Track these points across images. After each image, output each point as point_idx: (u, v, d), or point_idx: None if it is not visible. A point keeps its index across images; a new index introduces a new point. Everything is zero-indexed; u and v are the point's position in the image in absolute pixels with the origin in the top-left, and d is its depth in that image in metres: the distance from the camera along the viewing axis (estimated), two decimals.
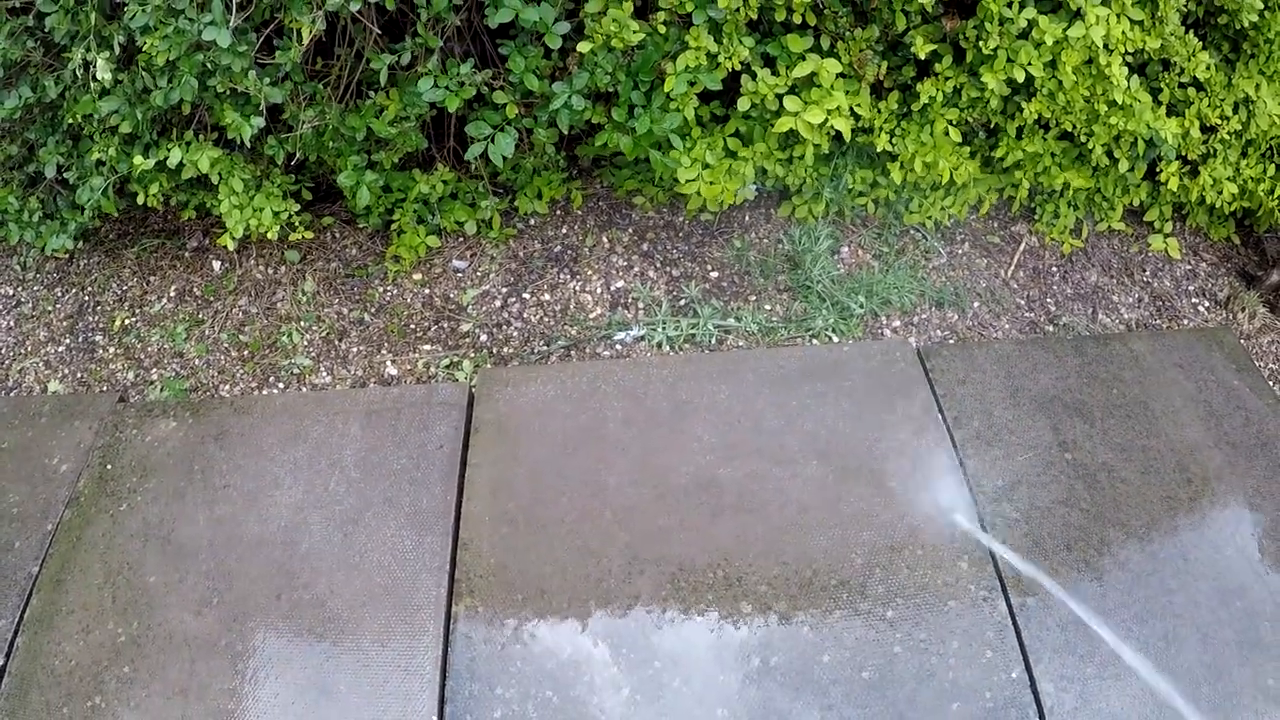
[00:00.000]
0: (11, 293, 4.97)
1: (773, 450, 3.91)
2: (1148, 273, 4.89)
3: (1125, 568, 3.56)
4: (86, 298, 4.88)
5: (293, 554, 3.67)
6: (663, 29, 4.05)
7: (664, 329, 4.52)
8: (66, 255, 5.05)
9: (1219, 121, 4.47)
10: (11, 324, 4.83)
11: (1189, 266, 4.96)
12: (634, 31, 3.94)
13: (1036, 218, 5.02)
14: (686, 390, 4.12)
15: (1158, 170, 4.69)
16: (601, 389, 4.14)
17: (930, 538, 3.63)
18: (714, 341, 4.49)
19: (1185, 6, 4.22)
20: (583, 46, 3.99)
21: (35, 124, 4.34)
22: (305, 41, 3.80)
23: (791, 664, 3.33)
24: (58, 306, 4.87)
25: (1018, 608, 3.44)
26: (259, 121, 3.97)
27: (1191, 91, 4.46)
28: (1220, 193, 4.62)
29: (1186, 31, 4.31)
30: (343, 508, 3.80)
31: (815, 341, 4.49)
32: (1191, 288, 4.86)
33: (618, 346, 4.51)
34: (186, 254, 5.00)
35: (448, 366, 4.46)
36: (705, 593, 3.50)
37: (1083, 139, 4.44)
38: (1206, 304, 4.80)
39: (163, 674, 3.38)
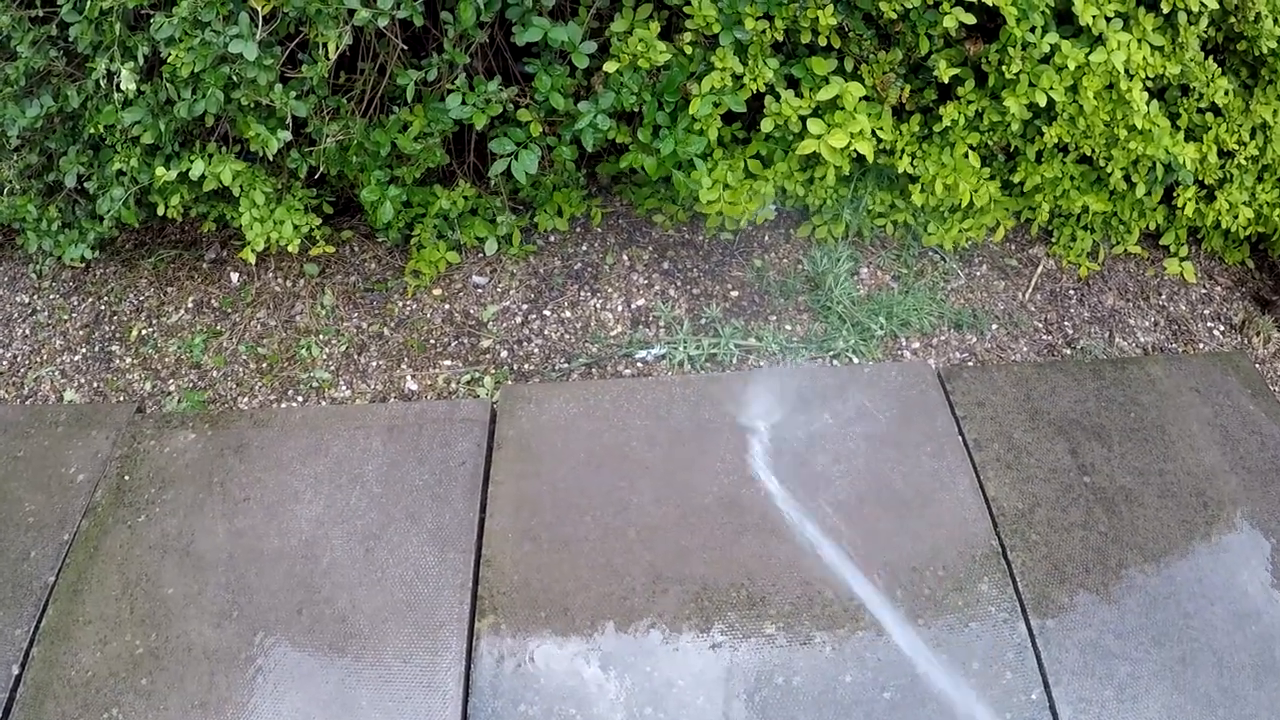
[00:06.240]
0: (27, 301, 4.96)
1: (795, 472, 3.92)
2: (1163, 296, 4.91)
3: (1143, 591, 3.56)
4: (103, 307, 4.87)
5: (314, 568, 3.66)
6: (688, 50, 4.07)
7: (685, 348, 4.51)
8: (83, 265, 5.03)
9: (1236, 147, 4.48)
10: (28, 332, 4.82)
11: (1204, 290, 4.97)
12: (660, 52, 3.95)
13: (1054, 241, 5.03)
14: (709, 410, 4.12)
15: (1174, 194, 4.70)
16: (624, 407, 4.14)
17: (951, 559, 3.63)
18: (735, 361, 4.50)
19: (1205, 33, 4.24)
20: (609, 66, 4.00)
21: (56, 133, 4.34)
22: (332, 56, 3.80)
23: (814, 684, 3.32)
24: (74, 315, 4.86)
25: (1037, 630, 3.44)
26: (285, 135, 3.97)
27: (1209, 117, 4.48)
28: (1236, 217, 4.63)
29: (1206, 57, 4.34)
30: (364, 522, 3.79)
31: (836, 363, 4.49)
32: (1207, 312, 4.87)
33: (639, 365, 4.51)
34: (204, 265, 5.00)
35: (468, 383, 4.45)
36: (728, 612, 3.50)
37: (1102, 163, 4.45)
38: (1222, 328, 4.81)
39: (181, 686, 3.37)
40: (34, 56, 3.97)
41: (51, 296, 4.96)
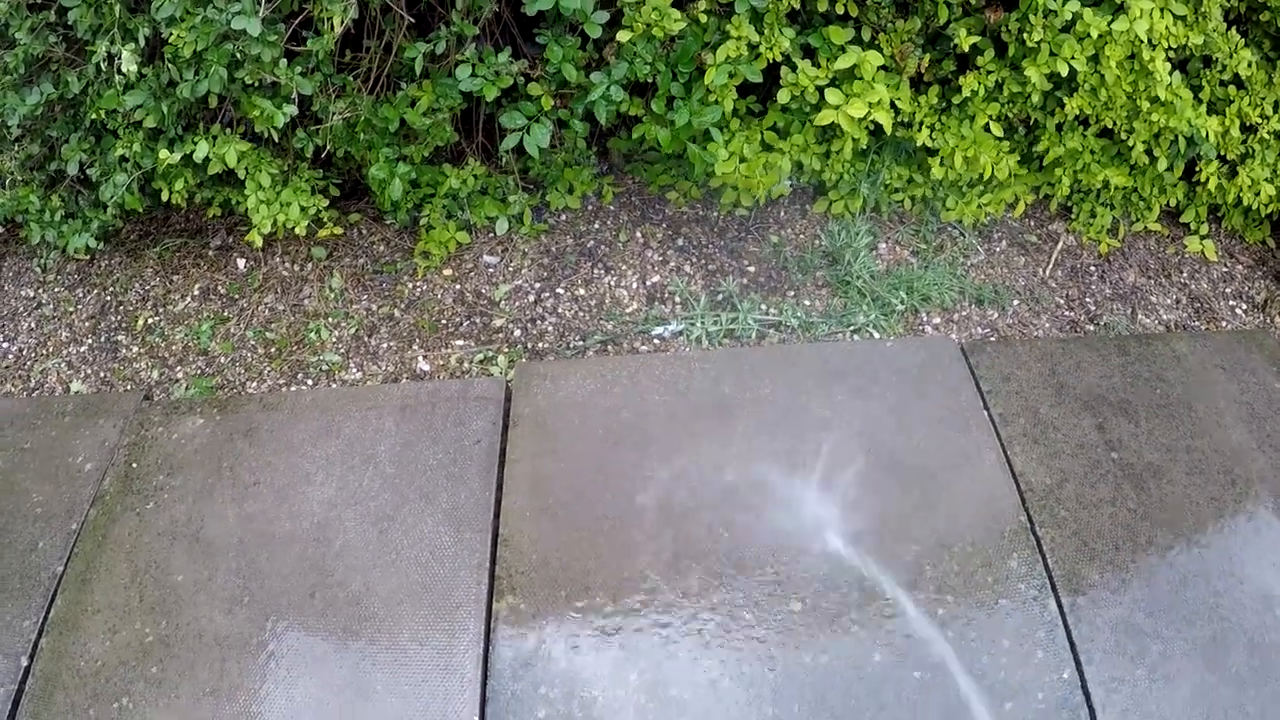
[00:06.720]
0: (32, 294, 4.90)
1: (818, 447, 3.84)
2: (1185, 274, 4.84)
3: (1173, 568, 3.49)
4: (108, 298, 4.82)
5: (326, 551, 3.59)
6: (703, 18, 4.01)
7: (703, 324, 4.45)
8: (87, 256, 4.98)
9: (1259, 120, 4.42)
10: (33, 325, 4.76)
11: (1225, 269, 4.90)
12: (675, 20, 3.89)
13: (1073, 217, 4.97)
14: (728, 385, 4.05)
15: (1196, 170, 4.63)
16: (642, 383, 4.07)
17: (979, 535, 3.55)
18: (754, 337, 4.43)
19: (1227, 2, 4.19)
20: (622, 36, 3.94)
21: (57, 121, 4.28)
22: (337, 29, 3.74)
23: (842, 663, 3.25)
24: (79, 307, 4.80)
25: (1068, 607, 3.37)
26: (291, 109, 3.91)
27: (1232, 89, 4.43)
28: (1258, 194, 4.56)
29: (1228, 28, 4.28)
30: (378, 504, 3.72)
31: (857, 337, 4.44)
32: (1228, 290, 4.81)
33: (655, 341, 4.45)
34: (210, 252, 4.94)
35: (481, 362, 4.39)
36: (753, 590, 3.43)
37: (1123, 136, 4.39)
38: (1244, 307, 4.74)
39: (192, 674, 3.30)
40: (33, 43, 3.92)
41: (56, 289, 4.91)
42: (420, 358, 4.43)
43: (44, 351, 4.65)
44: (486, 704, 3.19)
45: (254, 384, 4.39)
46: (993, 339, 4.47)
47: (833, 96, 4.08)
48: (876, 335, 4.44)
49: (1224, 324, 4.63)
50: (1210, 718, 3.14)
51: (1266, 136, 4.47)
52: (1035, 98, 4.24)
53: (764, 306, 4.55)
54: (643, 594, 3.43)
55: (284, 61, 3.79)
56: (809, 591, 3.42)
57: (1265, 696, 3.19)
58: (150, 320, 4.69)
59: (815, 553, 3.53)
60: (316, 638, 3.36)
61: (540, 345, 4.46)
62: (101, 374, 4.51)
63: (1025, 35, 4.04)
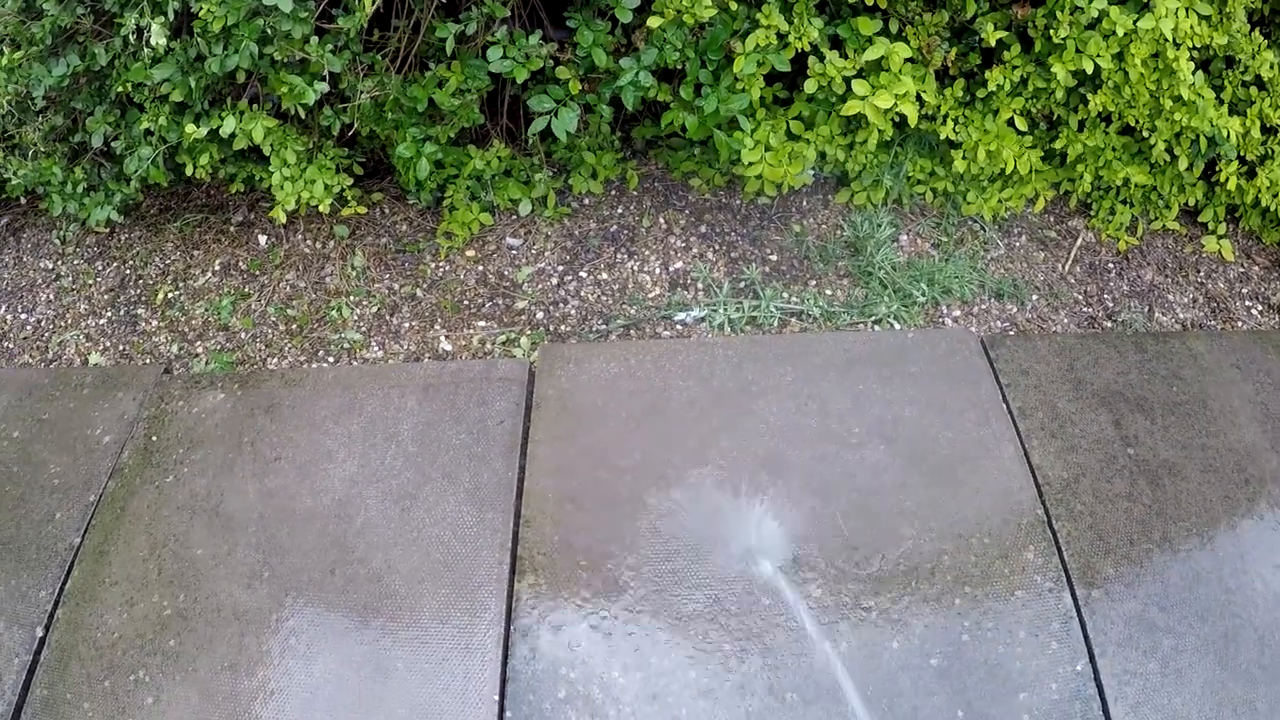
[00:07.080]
0: (51, 266, 4.89)
1: (839, 434, 3.85)
2: (1202, 273, 4.85)
3: (1186, 564, 3.50)
4: (128, 271, 4.81)
5: (347, 528, 3.59)
6: (733, 6, 4.02)
7: (725, 310, 4.46)
8: (107, 230, 4.98)
9: (1279, 122, 4.42)
10: (51, 297, 4.75)
11: (1242, 269, 4.91)
12: (705, 8, 3.89)
13: (1092, 214, 4.97)
14: (751, 371, 4.06)
15: (1215, 170, 4.64)
16: (665, 368, 4.08)
17: (996, 527, 3.57)
18: (776, 324, 4.44)
19: (1252, 3, 4.19)
20: (652, 22, 3.95)
21: (82, 93, 4.27)
22: (369, 8, 3.75)
23: (860, 650, 3.26)
24: (98, 280, 4.80)
25: (1083, 600, 3.38)
26: (322, 87, 3.91)
27: (1253, 90, 4.43)
28: (1276, 195, 4.56)
29: (1252, 29, 4.28)
30: (399, 482, 3.72)
31: (878, 328, 4.44)
32: (1245, 290, 4.81)
33: (678, 327, 4.46)
34: (231, 228, 4.94)
35: (504, 343, 4.39)
36: (774, 574, 3.43)
37: (1145, 134, 4.40)
38: (1260, 307, 4.75)
39: (210, 648, 3.30)
40: (61, 14, 3.91)
41: (75, 262, 4.90)
42: (442, 338, 4.44)
43: (62, 323, 4.64)
44: (507, 683, 3.20)
45: (274, 360, 4.39)
46: (1012, 333, 4.48)
47: (860, 87, 4.10)
48: (897, 326, 4.44)
49: (1240, 324, 4.64)
50: (1220, 712, 3.15)
51: None
52: (1059, 94, 4.25)
53: (786, 295, 4.56)
54: (666, 576, 3.44)
55: (314, 39, 3.79)
56: (828, 577, 3.43)
57: (1275, 694, 3.20)
58: (170, 294, 4.69)
59: (833, 539, 3.54)
60: (337, 614, 3.37)
61: (562, 328, 4.47)
62: (120, 347, 4.51)
63: (1051, 31, 4.05)
